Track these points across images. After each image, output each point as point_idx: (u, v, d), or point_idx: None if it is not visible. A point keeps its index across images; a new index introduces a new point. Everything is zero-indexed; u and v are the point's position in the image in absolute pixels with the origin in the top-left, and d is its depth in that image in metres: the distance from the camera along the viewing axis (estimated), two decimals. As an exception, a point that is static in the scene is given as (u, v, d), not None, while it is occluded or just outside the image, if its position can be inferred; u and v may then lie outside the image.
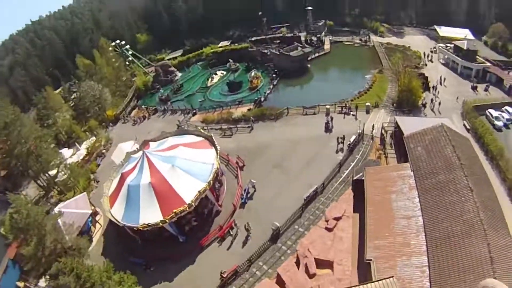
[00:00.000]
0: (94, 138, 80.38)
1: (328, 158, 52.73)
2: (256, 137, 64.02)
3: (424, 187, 35.74)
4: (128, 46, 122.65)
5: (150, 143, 54.64)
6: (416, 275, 28.89)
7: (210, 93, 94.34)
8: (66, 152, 74.98)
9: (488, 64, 73.59)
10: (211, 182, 47.19)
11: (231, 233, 44.82)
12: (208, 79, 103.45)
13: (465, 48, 75.08)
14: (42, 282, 45.09)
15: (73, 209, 51.04)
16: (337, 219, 39.92)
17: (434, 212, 32.64)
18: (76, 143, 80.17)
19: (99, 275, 33.04)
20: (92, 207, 55.49)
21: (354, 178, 43.80)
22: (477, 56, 75.36)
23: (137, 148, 57.24)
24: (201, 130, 60.82)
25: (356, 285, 28.84)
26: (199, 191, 44.86)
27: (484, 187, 34.75)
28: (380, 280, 27.10)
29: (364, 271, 33.41)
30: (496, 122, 55.57)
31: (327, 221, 40.27)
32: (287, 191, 48.71)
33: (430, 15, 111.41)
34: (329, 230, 39.14)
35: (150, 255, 44.85)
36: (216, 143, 53.82)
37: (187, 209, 43.61)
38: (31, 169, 62.27)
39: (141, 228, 42.54)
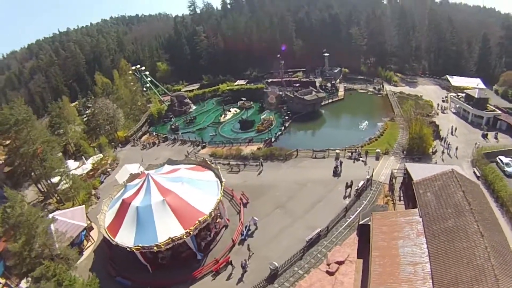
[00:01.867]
0: (101, 155, 79.79)
1: (335, 202, 50.91)
2: (263, 176, 62.69)
3: (432, 233, 33.90)
4: (147, 73, 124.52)
5: (145, 171, 52.44)
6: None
7: (222, 128, 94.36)
8: (71, 163, 74.52)
9: (499, 111, 73.57)
10: (222, 194, 47.90)
11: (233, 265, 42.43)
12: (221, 115, 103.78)
13: (476, 96, 75.50)
14: (23, 284, 43.13)
15: (68, 219, 49.67)
16: (340, 263, 37.66)
17: (443, 258, 30.62)
18: (83, 157, 79.75)
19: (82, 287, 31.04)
20: (88, 222, 54.06)
21: (360, 222, 41.92)
22: (487, 104, 75.50)
23: (124, 182, 54.84)
24: (192, 159, 62.31)
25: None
26: (217, 200, 45.23)
27: (495, 232, 32.92)
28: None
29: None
30: (507, 169, 54.45)
31: (328, 264, 37.96)
32: (289, 232, 46.63)
33: (443, 65, 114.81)
34: (331, 274, 36.85)
35: (139, 279, 42.66)
36: (213, 166, 54.93)
37: (208, 218, 43.26)
38: (34, 172, 61.78)
39: (163, 246, 40.35)
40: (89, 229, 53.81)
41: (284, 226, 47.93)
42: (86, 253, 50.40)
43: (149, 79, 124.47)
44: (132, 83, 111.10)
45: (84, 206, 56.72)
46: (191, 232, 41.65)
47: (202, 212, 43.40)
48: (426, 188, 40.09)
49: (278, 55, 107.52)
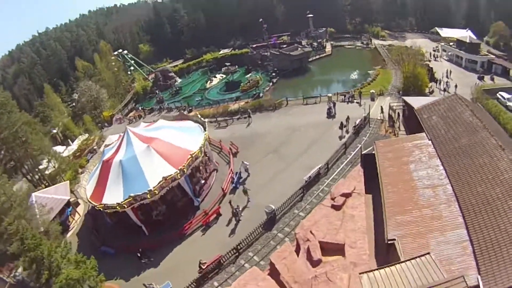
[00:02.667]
0: (87, 135, 73.85)
1: (331, 142, 44.68)
2: (252, 127, 56.71)
3: (447, 153, 28.58)
4: (130, 56, 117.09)
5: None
6: (456, 253, 20.68)
7: (208, 93, 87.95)
8: (58, 148, 68.54)
9: (493, 56, 68.59)
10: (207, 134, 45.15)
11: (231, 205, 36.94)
12: (207, 82, 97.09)
13: (467, 41, 70.56)
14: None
15: (51, 195, 44.80)
16: (346, 195, 31.18)
17: (464, 177, 25.34)
18: (68, 140, 74.29)
19: (48, 249, 24.95)
20: (74, 198, 49.35)
21: (363, 152, 35.75)
22: (480, 49, 70.55)
23: (103, 149, 49.89)
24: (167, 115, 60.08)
25: (384, 266, 19.52)
26: (204, 136, 42.64)
27: (513, 150, 27.73)
28: (415, 258, 18.86)
29: (384, 255, 25.00)
30: (509, 103, 50.32)
31: (333, 198, 31.47)
32: (284, 176, 40.69)
33: (430, 21, 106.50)
34: (337, 208, 30.37)
35: (125, 245, 37.08)
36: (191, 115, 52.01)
37: (199, 154, 40.18)
38: (19, 161, 55.88)
39: (156, 191, 35.39)
40: (75, 205, 48.88)
41: (278, 171, 42.10)
42: (71, 230, 45.01)
43: (133, 61, 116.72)
44: (114, 64, 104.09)
45: (68, 182, 51.34)
46: (185, 170, 37.18)
47: (191, 150, 39.53)
48: (430, 112, 35.42)
49: (261, 20, 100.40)
